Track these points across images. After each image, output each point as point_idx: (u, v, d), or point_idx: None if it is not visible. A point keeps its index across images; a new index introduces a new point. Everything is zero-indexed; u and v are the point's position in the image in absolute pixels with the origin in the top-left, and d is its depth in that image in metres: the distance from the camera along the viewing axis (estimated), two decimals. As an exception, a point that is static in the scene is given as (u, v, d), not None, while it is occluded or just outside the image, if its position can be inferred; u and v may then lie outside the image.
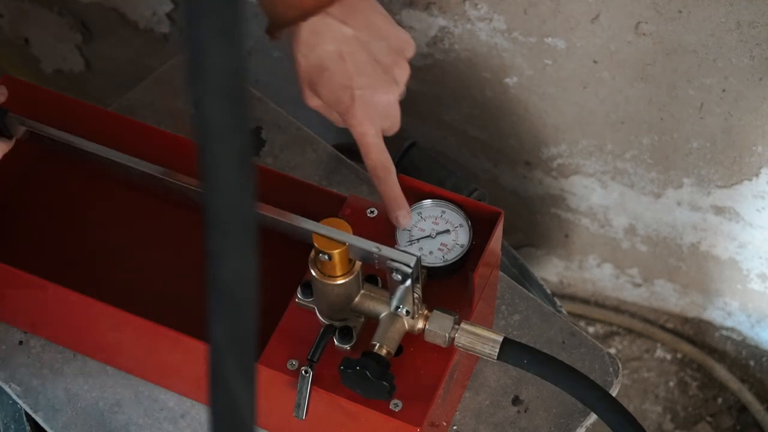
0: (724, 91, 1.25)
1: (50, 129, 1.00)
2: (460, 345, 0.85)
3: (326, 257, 0.82)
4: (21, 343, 1.07)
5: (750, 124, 1.28)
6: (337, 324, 0.88)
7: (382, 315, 0.86)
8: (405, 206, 0.90)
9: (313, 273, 0.84)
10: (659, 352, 1.73)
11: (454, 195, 0.94)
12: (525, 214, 1.63)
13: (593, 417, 1.01)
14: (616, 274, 1.69)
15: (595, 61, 1.30)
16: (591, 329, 1.76)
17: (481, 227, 0.92)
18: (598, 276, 1.71)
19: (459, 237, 0.92)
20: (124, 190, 1.08)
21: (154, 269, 1.05)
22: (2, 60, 1.75)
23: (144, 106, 1.24)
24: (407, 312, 0.85)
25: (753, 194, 1.39)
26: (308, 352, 0.86)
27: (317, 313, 0.90)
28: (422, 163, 1.22)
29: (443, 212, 0.94)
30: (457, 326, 0.85)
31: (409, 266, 0.81)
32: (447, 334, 0.85)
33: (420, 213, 0.94)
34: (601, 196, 1.53)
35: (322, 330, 0.88)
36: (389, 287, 0.85)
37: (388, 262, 0.82)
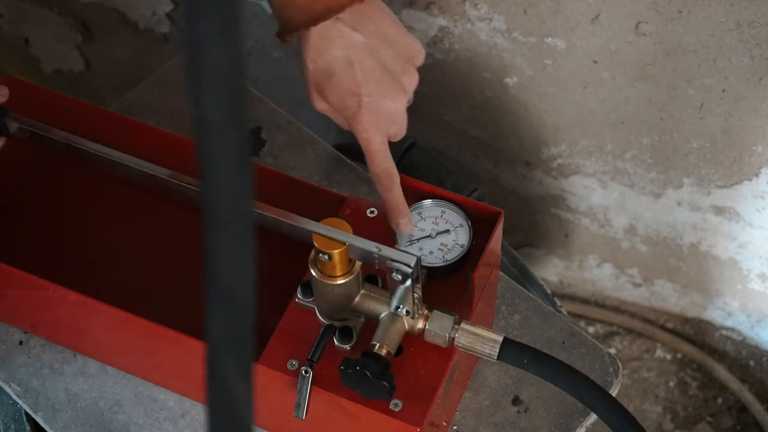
0: (724, 91, 1.25)
1: (50, 129, 1.00)
2: (460, 345, 0.85)
3: (326, 257, 0.82)
4: (21, 343, 1.07)
5: (750, 124, 1.28)
6: (337, 324, 0.88)
7: (382, 315, 0.86)
8: (407, 214, 0.91)
9: (313, 273, 0.84)
10: (659, 352, 1.73)
11: (454, 195, 0.94)
12: (525, 214, 1.63)
13: (593, 417, 1.01)
14: (616, 274, 1.69)
15: (595, 61, 1.30)
16: (591, 329, 1.76)
17: (481, 227, 0.92)
18: (598, 276, 1.71)
19: (459, 237, 0.92)
20: (124, 190, 1.08)
21: (154, 269, 1.05)
22: (2, 60, 1.75)
23: (144, 106, 1.24)
24: (407, 312, 0.85)
25: (753, 194, 1.39)
26: (308, 352, 0.86)
27: (317, 313, 0.90)
28: (422, 163, 1.22)
29: (443, 212, 0.94)
30: (457, 326, 0.85)
31: (409, 266, 0.81)
32: (447, 334, 0.85)
33: (420, 213, 0.94)
34: (601, 196, 1.53)
35: (322, 330, 0.88)
36: (389, 287, 0.85)
37: (388, 262, 0.82)
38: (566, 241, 1.66)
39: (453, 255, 0.91)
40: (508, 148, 1.52)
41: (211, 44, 0.37)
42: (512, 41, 1.33)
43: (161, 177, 0.96)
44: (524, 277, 1.27)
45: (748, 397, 1.65)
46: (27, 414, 1.05)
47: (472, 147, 1.55)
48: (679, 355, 1.72)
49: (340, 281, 0.84)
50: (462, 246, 0.92)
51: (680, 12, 1.18)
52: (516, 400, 1.03)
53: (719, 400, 1.68)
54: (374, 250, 0.82)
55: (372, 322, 0.87)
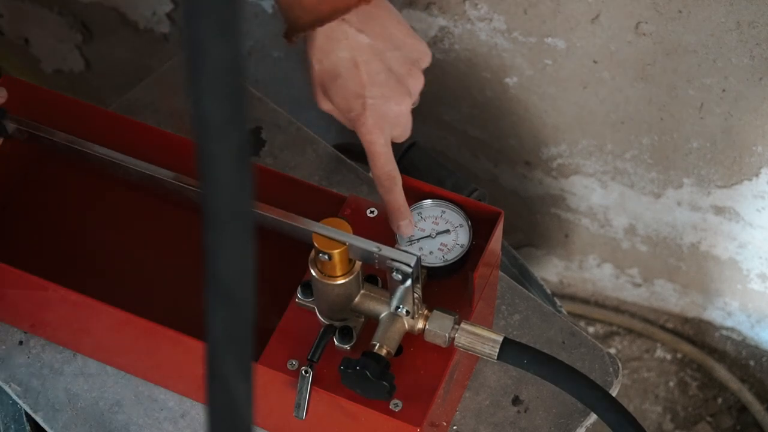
0: (724, 91, 1.25)
1: (49, 130, 1.00)
2: (460, 345, 0.85)
3: (326, 257, 0.82)
4: (21, 343, 1.07)
5: (750, 124, 1.28)
6: (337, 324, 0.88)
7: (382, 315, 0.86)
8: (408, 216, 0.91)
9: (313, 273, 0.84)
10: (659, 352, 1.73)
11: (454, 195, 0.94)
12: (525, 214, 1.63)
13: (593, 417, 1.01)
14: (616, 274, 1.69)
15: (595, 61, 1.30)
16: (591, 329, 1.76)
17: (481, 227, 0.92)
18: (598, 276, 1.71)
19: (459, 237, 0.92)
20: (124, 190, 1.08)
21: (154, 269, 1.05)
22: (2, 60, 1.75)
23: (144, 106, 1.24)
24: (407, 312, 0.85)
25: (753, 194, 1.39)
26: (308, 352, 0.86)
27: (317, 313, 0.90)
28: (422, 163, 1.22)
29: (443, 212, 0.94)
30: (457, 326, 0.85)
31: (409, 266, 0.81)
32: (447, 334, 0.85)
33: (420, 213, 0.94)
34: (601, 196, 1.53)
35: (322, 330, 0.88)
36: (389, 287, 0.85)
37: (388, 262, 0.82)
38: (566, 241, 1.66)
39: (453, 255, 0.91)
40: (508, 148, 1.52)
41: (211, 44, 0.37)
42: (512, 41, 1.33)
43: (161, 177, 0.96)
44: (524, 277, 1.27)
45: (748, 397, 1.65)
46: (27, 414, 1.05)
47: (472, 147, 1.55)
48: (679, 355, 1.72)
49: (340, 281, 0.84)
50: (462, 246, 0.92)
51: (680, 12, 1.18)
52: (516, 400, 1.03)
53: (719, 400, 1.68)
54: (374, 250, 0.82)
55: (372, 322, 0.87)
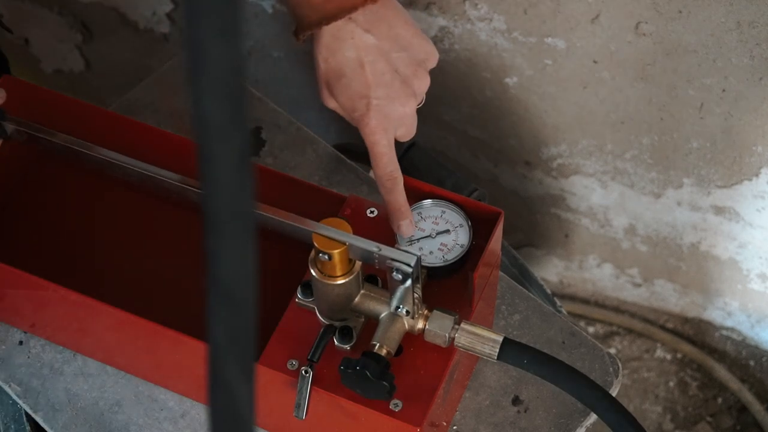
0: (724, 91, 1.25)
1: (48, 130, 1.00)
2: (460, 345, 0.85)
3: (326, 257, 0.82)
4: (21, 343, 1.07)
5: (750, 124, 1.28)
6: (337, 324, 0.88)
7: (382, 315, 0.86)
8: (409, 216, 0.91)
9: (313, 273, 0.84)
10: (659, 352, 1.73)
11: (454, 195, 0.94)
12: (525, 214, 1.63)
13: (593, 417, 1.01)
14: (616, 274, 1.69)
15: (595, 61, 1.30)
16: (591, 329, 1.76)
17: (481, 227, 0.92)
18: (598, 276, 1.71)
19: (459, 237, 0.92)
20: (124, 190, 1.08)
21: (154, 269, 1.05)
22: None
23: (144, 106, 1.24)
24: (407, 312, 0.85)
25: (753, 194, 1.39)
26: (308, 352, 0.86)
27: (317, 313, 0.90)
28: (422, 163, 1.22)
29: (443, 212, 0.94)
30: (457, 326, 0.85)
31: (409, 266, 0.81)
32: (447, 334, 0.85)
33: (420, 213, 0.94)
34: (601, 196, 1.53)
35: (322, 330, 0.88)
36: (389, 287, 0.85)
37: (388, 261, 0.82)
38: (566, 241, 1.66)
39: (453, 255, 0.91)
40: (508, 148, 1.52)
41: (212, 44, 0.37)
42: (512, 41, 1.33)
43: (161, 178, 0.96)
44: (524, 277, 1.27)
45: (748, 397, 1.65)
46: (27, 414, 1.05)
47: (472, 147, 1.55)
48: (679, 355, 1.72)
49: (340, 281, 0.84)
50: (462, 246, 0.91)
51: (680, 12, 1.18)
52: (516, 400, 1.03)
53: (719, 400, 1.68)
54: (374, 250, 0.82)
55: (372, 322, 0.87)
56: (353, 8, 0.84)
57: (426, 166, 1.22)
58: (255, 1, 1.50)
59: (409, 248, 0.91)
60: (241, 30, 0.38)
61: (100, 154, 0.98)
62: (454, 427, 1.01)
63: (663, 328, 1.73)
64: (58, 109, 1.06)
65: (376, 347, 0.84)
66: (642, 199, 1.50)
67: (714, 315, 1.68)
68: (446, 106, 1.49)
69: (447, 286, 0.92)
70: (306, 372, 0.86)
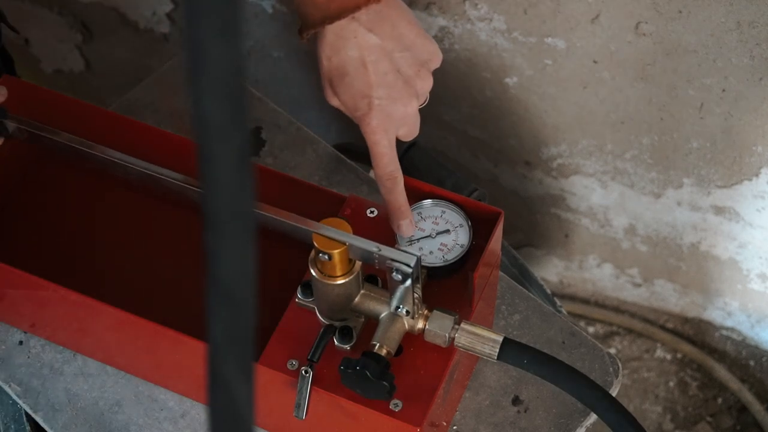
0: (724, 91, 1.25)
1: (49, 129, 1.00)
2: (460, 345, 0.85)
3: (326, 257, 0.82)
4: (21, 343, 1.07)
5: (750, 124, 1.28)
6: (337, 324, 0.88)
7: (382, 315, 0.86)
8: (409, 216, 0.91)
9: (313, 273, 0.84)
10: (659, 352, 1.73)
11: (454, 195, 0.94)
12: (525, 214, 1.63)
13: (593, 417, 1.01)
14: (616, 274, 1.69)
15: (595, 61, 1.30)
16: (591, 329, 1.76)
17: (481, 227, 0.92)
18: (598, 276, 1.71)
19: (459, 237, 0.92)
20: (124, 190, 1.08)
21: (154, 269, 1.05)
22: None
23: (144, 106, 1.24)
24: (407, 312, 0.85)
25: (753, 194, 1.39)
26: (308, 352, 0.86)
27: (317, 313, 0.90)
28: (422, 163, 1.22)
29: (443, 212, 0.94)
30: (457, 326, 0.85)
31: (409, 266, 0.81)
32: (447, 334, 0.85)
33: (420, 213, 0.94)
34: (601, 196, 1.53)
35: (322, 330, 0.88)
36: (389, 287, 0.85)
37: (388, 262, 0.82)
38: (566, 241, 1.66)
39: (453, 255, 0.91)
40: (508, 148, 1.52)
41: (212, 44, 0.37)
42: (512, 41, 1.33)
43: (161, 177, 0.96)
44: (524, 277, 1.27)
45: (748, 397, 1.65)
46: (27, 414, 1.05)
47: (472, 147, 1.55)
48: (679, 355, 1.72)
49: (340, 281, 0.84)
50: (462, 246, 0.91)
51: (680, 12, 1.18)
52: (516, 400, 1.03)
53: (719, 400, 1.68)
54: (374, 250, 0.82)
55: (372, 322, 0.87)
56: (357, 8, 0.84)
57: (426, 166, 1.22)
58: (255, 1, 1.50)
59: (409, 248, 0.91)
60: (241, 30, 0.38)
61: (101, 152, 0.98)
62: (454, 427, 1.01)
63: (663, 328, 1.73)
64: (58, 109, 1.06)
65: (376, 347, 0.84)
66: (642, 199, 1.50)
67: (714, 315, 1.68)
68: (446, 106, 1.49)
69: (447, 286, 0.92)
70: (306, 372, 0.86)
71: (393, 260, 0.82)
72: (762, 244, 1.48)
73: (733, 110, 1.28)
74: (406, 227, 0.91)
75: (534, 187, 1.57)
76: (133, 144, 1.01)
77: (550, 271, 1.75)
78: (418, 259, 0.82)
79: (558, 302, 1.26)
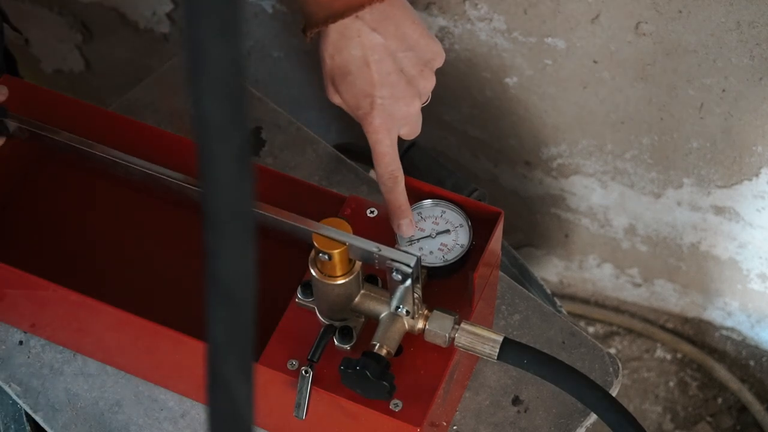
0: (724, 91, 1.25)
1: (50, 128, 1.00)
2: (460, 345, 0.85)
3: (326, 257, 0.82)
4: (21, 343, 1.07)
5: (750, 124, 1.28)
6: (337, 324, 0.88)
7: (382, 315, 0.86)
8: (409, 215, 0.91)
9: (313, 273, 0.84)
10: (659, 352, 1.73)
11: (454, 195, 0.94)
12: (525, 214, 1.63)
13: (593, 417, 1.01)
14: (616, 274, 1.69)
15: (595, 61, 1.30)
16: (591, 329, 1.76)
17: (481, 227, 0.92)
18: (598, 276, 1.71)
19: (459, 237, 0.92)
20: (124, 190, 1.08)
21: (154, 269, 1.05)
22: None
23: (144, 106, 1.24)
24: (407, 312, 0.85)
25: (753, 194, 1.39)
26: (308, 352, 0.86)
27: (317, 313, 0.90)
28: (422, 163, 1.22)
29: (443, 212, 0.94)
30: (457, 326, 0.85)
31: (409, 266, 0.81)
32: (447, 334, 0.85)
33: (420, 213, 0.94)
34: (601, 196, 1.53)
35: (322, 330, 0.88)
36: (389, 287, 0.85)
37: (388, 262, 0.82)
38: (566, 241, 1.66)
39: (453, 255, 0.91)
40: (508, 148, 1.52)
41: (211, 44, 0.37)
42: (512, 41, 1.33)
43: (161, 176, 0.96)
44: (524, 277, 1.27)
45: (748, 397, 1.65)
46: (27, 414, 1.05)
47: (472, 147, 1.55)
48: (679, 355, 1.72)
49: (340, 281, 0.84)
50: (462, 246, 0.91)
51: (680, 12, 1.18)
52: (516, 400, 1.03)
53: (719, 400, 1.68)
54: (374, 250, 0.82)
55: (372, 322, 0.87)
56: (360, 6, 0.84)
57: (426, 166, 1.22)
58: (255, 1, 1.50)
59: (409, 248, 0.91)
60: (241, 30, 0.38)
61: (101, 152, 0.98)
62: (454, 427, 1.01)
63: (663, 328, 1.73)
64: (58, 109, 1.06)
65: (376, 347, 0.84)
66: (642, 199, 1.50)
67: (714, 315, 1.68)
68: (446, 106, 1.49)
69: (447, 286, 0.92)
70: (306, 372, 0.86)
71: (393, 260, 0.82)
72: (762, 244, 1.48)
73: (733, 110, 1.28)
74: (406, 227, 0.91)
75: (534, 187, 1.57)
76: (133, 144, 1.01)
77: (550, 271, 1.75)
78: (418, 259, 0.82)
79: (558, 302, 1.26)
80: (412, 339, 0.88)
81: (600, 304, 1.76)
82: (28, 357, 1.06)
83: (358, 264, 0.85)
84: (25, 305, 1.04)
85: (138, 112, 1.23)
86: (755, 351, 1.69)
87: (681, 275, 1.62)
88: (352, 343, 0.88)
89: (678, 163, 1.40)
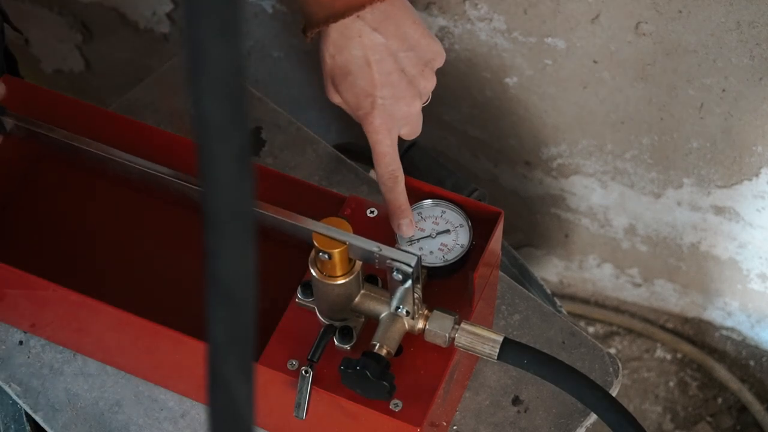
0: (724, 91, 1.25)
1: (47, 126, 1.00)
2: (460, 345, 0.85)
3: (326, 256, 0.82)
4: (21, 343, 1.07)
5: (750, 124, 1.28)
6: (337, 324, 0.88)
7: (383, 315, 0.86)
8: (409, 215, 0.91)
9: (314, 273, 0.84)
10: (659, 352, 1.73)
11: (454, 195, 0.94)
12: (525, 214, 1.63)
13: (593, 417, 1.01)
14: (616, 274, 1.69)
15: (595, 61, 1.30)
16: (591, 329, 1.76)
17: (481, 227, 0.92)
18: (598, 276, 1.71)
19: (459, 237, 0.92)
20: (124, 190, 1.08)
21: (154, 269, 1.05)
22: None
23: (144, 106, 1.24)
24: (407, 312, 0.85)
25: (753, 194, 1.39)
26: (308, 352, 0.86)
27: (317, 313, 0.90)
28: (422, 163, 1.22)
29: (443, 212, 0.94)
30: (457, 326, 0.85)
31: (409, 266, 0.81)
32: (447, 334, 0.85)
33: (420, 213, 0.94)
34: (601, 196, 1.53)
35: (322, 330, 0.88)
36: (389, 287, 0.85)
37: (389, 262, 0.82)
38: (566, 241, 1.66)
39: (453, 255, 0.91)
40: (508, 148, 1.52)
41: (211, 44, 0.37)
42: (512, 41, 1.33)
43: (161, 176, 0.96)
44: (524, 277, 1.27)
45: (748, 397, 1.65)
46: (27, 414, 1.05)
47: (472, 147, 1.55)
48: (679, 355, 1.72)
49: (341, 281, 0.84)
50: (462, 246, 0.91)
51: (680, 12, 1.18)
52: (516, 400, 1.03)
53: (719, 400, 1.68)
54: (375, 249, 0.82)
55: (372, 322, 0.87)
56: (361, 6, 0.84)
57: (426, 166, 1.22)
58: (255, 1, 1.50)
59: (409, 248, 0.91)
60: (241, 30, 0.38)
61: (99, 150, 0.98)
62: (454, 427, 1.01)
63: (663, 328, 1.73)
64: (58, 109, 1.06)
65: (376, 347, 0.84)
66: (642, 199, 1.50)
67: (714, 315, 1.68)
68: (446, 106, 1.49)
69: (447, 286, 0.92)
70: (306, 372, 0.86)
71: (393, 260, 0.82)
72: (762, 244, 1.48)
73: (733, 110, 1.28)
74: (406, 227, 0.91)
75: (534, 187, 1.57)
76: (133, 144, 1.01)
77: (550, 271, 1.75)
78: (419, 259, 0.82)
79: (558, 302, 1.26)
80: (412, 339, 0.88)
81: (600, 304, 1.76)
82: (28, 357, 1.06)
83: (358, 264, 0.85)
84: (25, 305, 1.04)
85: (138, 112, 1.23)
86: (755, 351, 1.69)
87: (681, 275, 1.62)
88: (352, 343, 0.88)
89: (678, 163, 1.40)
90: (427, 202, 0.94)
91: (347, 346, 0.88)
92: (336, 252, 0.82)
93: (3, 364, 1.05)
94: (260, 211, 0.89)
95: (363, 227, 0.93)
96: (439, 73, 0.92)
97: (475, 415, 1.02)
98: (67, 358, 1.06)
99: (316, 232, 0.83)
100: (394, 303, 0.85)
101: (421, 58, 0.88)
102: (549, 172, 1.52)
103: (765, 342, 1.67)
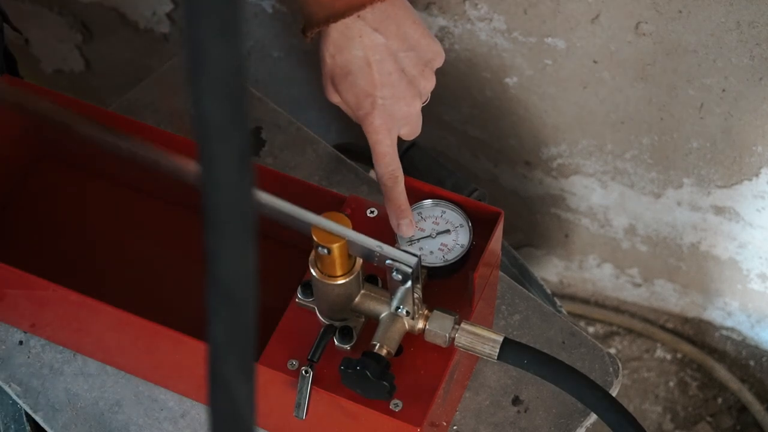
0: (724, 91, 1.25)
1: (33, 98, 0.99)
2: (460, 345, 0.85)
3: (325, 251, 0.82)
4: (21, 343, 1.07)
5: (750, 124, 1.28)
6: (337, 324, 0.88)
7: (383, 315, 0.86)
8: (409, 215, 0.91)
9: (314, 273, 0.84)
10: (659, 352, 1.73)
11: (454, 195, 0.94)
12: (525, 214, 1.63)
13: (593, 417, 1.01)
14: (616, 274, 1.69)
15: (595, 61, 1.30)
16: (591, 329, 1.76)
17: (481, 227, 0.92)
18: (598, 276, 1.71)
19: (459, 237, 0.92)
20: (124, 190, 1.08)
21: (154, 269, 1.05)
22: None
23: (144, 106, 1.24)
24: (407, 312, 0.85)
25: (753, 194, 1.39)
26: (308, 352, 0.86)
27: (317, 313, 0.90)
28: (422, 163, 1.22)
29: (443, 212, 0.94)
30: (457, 326, 0.85)
31: (409, 266, 0.81)
32: (447, 334, 0.85)
33: (420, 213, 0.94)
34: (601, 196, 1.53)
35: (322, 330, 0.88)
36: (389, 287, 0.85)
37: (389, 261, 0.82)
38: (566, 241, 1.66)
39: (453, 255, 0.91)
40: (508, 148, 1.52)
41: (211, 44, 0.37)
42: (512, 41, 1.33)
43: (154, 158, 0.95)
44: (524, 277, 1.27)
45: (748, 397, 1.65)
46: (27, 414, 1.05)
47: (472, 147, 1.55)
48: (679, 355, 1.72)
49: (341, 281, 0.84)
50: (462, 246, 0.91)
51: (680, 12, 1.18)
52: (516, 400, 1.03)
53: (719, 400, 1.68)
54: (376, 248, 0.82)
55: (372, 322, 0.87)
56: (362, 6, 0.84)
57: (426, 166, 1.22)
58: (255, 1, 1.50)
59: (409, 248, 0.91)
60: (241, 30, 0.38)
61: (87, 126, 0.97)
62: (454, 427, 1.01)
63: (663, 328, 1.73)
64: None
65: (377, 347, 0.84)
66: (642, 199, 1.50)
67: (714, 315, 1.68)
68: (446, 106, 1.49)
69: (447, 286, 0.92)
70: (306, 372, 0.86)
71: (393, 260, 0.81)
72: (762, 244, 1.48)
73: (733, 110, 1.28)
74: (406, 227, 0.91)
75: (534, 187, 1.57)
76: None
77: (550, 271, 1.75)
78: (419, 260, 0.82)
79: (558, 302, 1.26)
80: (412, 339, 0.88)
81: (600, 304, 1.76)
82: (28, 357, 1.06)
83: (359, 264, 0.84)
84: (25, 305, 1.04)
85: (138, 112, 1.23)
86: (755, 351, 1.69)
87: (681, 275, 1.62)
88: (352, 343, 0.88)
89: (678, 163, 1.40)
90: (427, 202, 0.94)
91: (347, 346, 0.88)
92: (335, 247, 0.81)
93: (3, 364, 1.05)
94: (261, 200, 0.89)
95: (363, 227, 0.93)
96: (439, 73, 0.91)
97: (475, 415, 1.02)
98: (67, 358, 1.06)
99: (315, 226, 0.82)
100: (394, 303, 0.85)
101: (421, 58, 0.88)
102: (549, 172, 1.52)
103: (765, 342, 1.67)
